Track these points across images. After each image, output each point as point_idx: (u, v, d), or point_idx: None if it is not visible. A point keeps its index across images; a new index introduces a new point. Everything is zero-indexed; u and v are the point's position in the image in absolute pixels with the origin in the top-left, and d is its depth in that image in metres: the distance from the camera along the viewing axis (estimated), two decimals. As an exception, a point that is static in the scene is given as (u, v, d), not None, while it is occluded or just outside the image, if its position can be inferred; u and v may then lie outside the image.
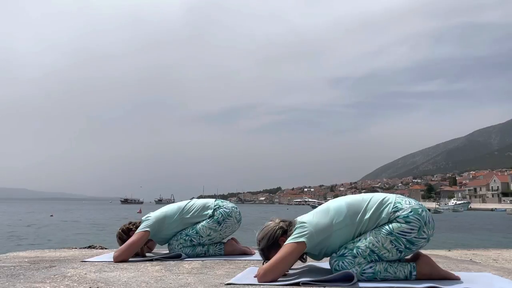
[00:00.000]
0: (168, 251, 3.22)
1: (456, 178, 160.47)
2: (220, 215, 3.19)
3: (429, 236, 2.19)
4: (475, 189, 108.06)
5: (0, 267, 2.62)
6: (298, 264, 2.52)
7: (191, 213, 3.21)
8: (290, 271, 2.36)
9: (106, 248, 4.34)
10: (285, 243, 2.21)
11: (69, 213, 42.92)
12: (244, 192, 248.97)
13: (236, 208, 3.32)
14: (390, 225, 2.17)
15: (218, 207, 3.24)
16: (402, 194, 2.55)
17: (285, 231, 2.30)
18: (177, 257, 3.06)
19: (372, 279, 2.13)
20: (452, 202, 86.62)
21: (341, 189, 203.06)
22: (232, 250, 3.21)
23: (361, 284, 2.06)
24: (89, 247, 4.45)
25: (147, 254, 3.22)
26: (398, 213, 2.19)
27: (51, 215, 36.20)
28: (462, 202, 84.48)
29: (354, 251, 2.17)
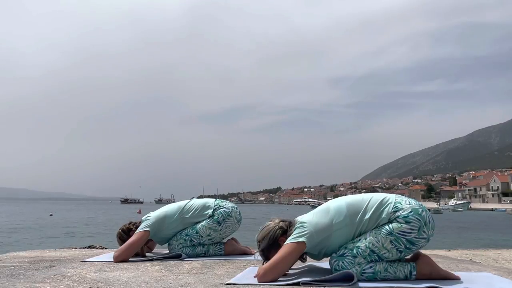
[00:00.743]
0: (168, 251, 3.22)
1: (456, 178, 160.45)
2: (220, 215, 3.19)
3: (429, 236, 2.19)
4: (475, 189, 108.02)
5: (0, 267, 2.62)
6: (298, 264, 2.52)
7: (191, 213, 3.21)
8: (290, 271, 2.36)
9: (106, 248, 4.35)
10: (285, 243, 2.21)
11: (69, 213, 42.92)
12: (244, 192, 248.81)
13: (236, 208, 3.32)
14: (390, 225, 2.17)
15: (218, 207, 3.24)
16: (402, 194, 2.55)
17: (285, 231, 2.30)
18: (177, 257, 3.06)
19: (372, 279, 2.13)
20: (452, 202, 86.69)
21: (341, 189, 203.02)
22: (232, 250, 3.22)
23: (361, 284, 2.06)
24: (89, 247, 4.45)
25: (147, 254, 3.21)
26: (398, 213, 2.19)
27: (51, 214, 36.23)
28: (462, 202, 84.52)
29: (354, 251, 2.17)
